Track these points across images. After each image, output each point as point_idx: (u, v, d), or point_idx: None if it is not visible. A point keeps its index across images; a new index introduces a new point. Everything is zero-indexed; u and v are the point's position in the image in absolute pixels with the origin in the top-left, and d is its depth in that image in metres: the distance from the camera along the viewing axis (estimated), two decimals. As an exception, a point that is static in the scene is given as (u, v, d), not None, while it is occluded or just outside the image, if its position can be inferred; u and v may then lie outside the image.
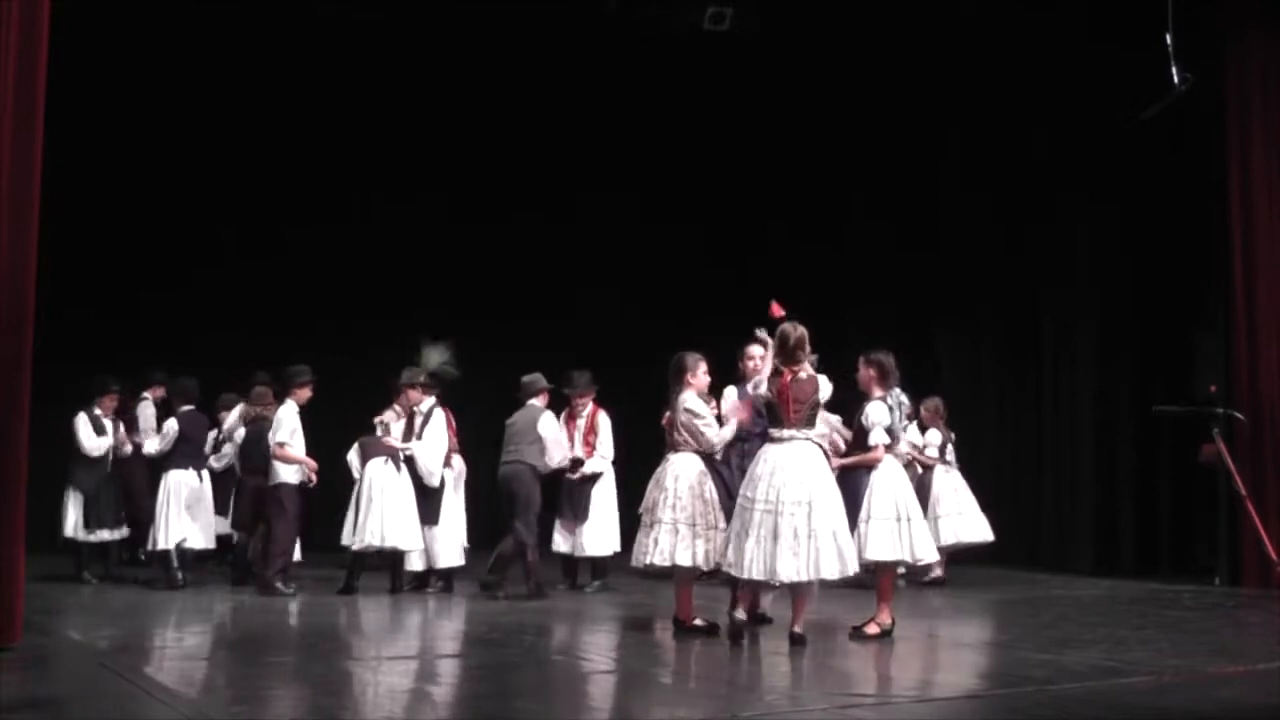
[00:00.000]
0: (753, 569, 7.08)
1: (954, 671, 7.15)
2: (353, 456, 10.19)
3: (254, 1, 11.98)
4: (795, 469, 7.11)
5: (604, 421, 10.24)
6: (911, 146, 13.47)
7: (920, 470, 10.65)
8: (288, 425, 9.84)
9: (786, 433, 7.23)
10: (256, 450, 10.37)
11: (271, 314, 12.79)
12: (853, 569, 7.21)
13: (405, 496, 9.92)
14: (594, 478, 10.20)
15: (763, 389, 7.36)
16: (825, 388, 7.34)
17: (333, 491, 10.48)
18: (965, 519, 10.81)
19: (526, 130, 13.63)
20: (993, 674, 6.99)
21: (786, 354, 7.33)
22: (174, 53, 12.34)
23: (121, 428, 10.94)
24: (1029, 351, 12.62)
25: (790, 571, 6.99)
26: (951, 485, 10.87)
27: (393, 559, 10.12)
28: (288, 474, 9.86)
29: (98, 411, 10.66)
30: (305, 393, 9.96)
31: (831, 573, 7.05)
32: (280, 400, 10.06)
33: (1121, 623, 8.52)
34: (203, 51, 12.43)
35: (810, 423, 7.29)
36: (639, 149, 13.92)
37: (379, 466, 9.95)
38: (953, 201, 13.38)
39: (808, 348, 7.38)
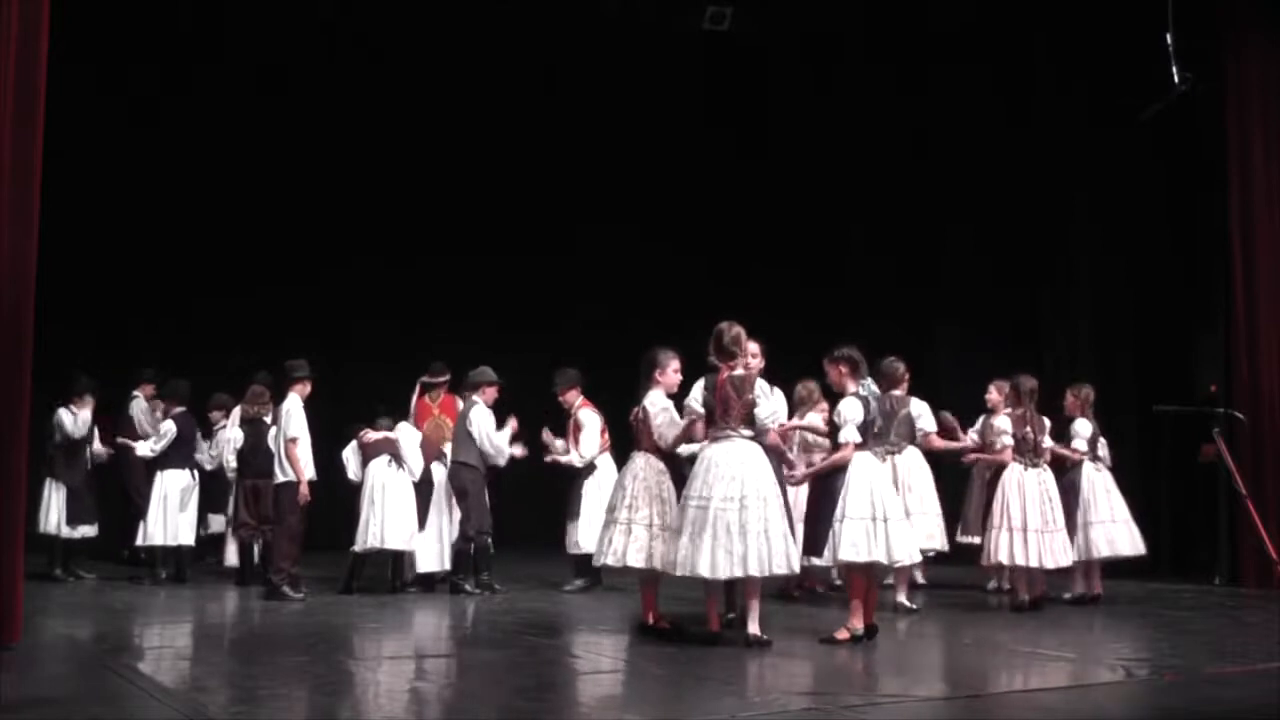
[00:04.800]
0: (685, 566, 7.06)
1: (953, 672, 7.15)
2: (349, 454, 10.17)
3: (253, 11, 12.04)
4: (728, 466, 7.09)
5: (587, 419, 10.13)
6: (910, 147, 13.46)
7: (1063, 465, 9.40)
8: (297, 419, 9.55)
9: (724, 430, 7.21)
10: (255, 451, 10.36)
11: (266, 319, 12.78)
12: (787, 567, 7.16)
13: (405, 497, 9.92)
14: (580, 475, 10.14)
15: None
16: (762, 388, 7.30)
17: (333, 491, 10.47)
18: (1118, 527, 9.54)
19: (525, 132, 13.62)
20: (992, 674, 6.98)
21: (722, 351, 7.30)
22: (187, 63, 12.44)
23: (97, 432, 10.93)
24: (1029, 352, 12.61)
25: (719, 567, 6.95)
26: (1102, 487, 9.63)
27: (393, 558, 10.14)
28: (293, 473, 9.60)
29: (73, 408, 10.69)
30: (307, 387, 9.73)
31: (760, 570, 7.01)
32: (281, 397, 9.88)
33: (1122, 623, 8.52)
34: (214, 67, 12.55)
35: (749, 421, 7.24)
36: (639, 149, 13.93)
37: (381, 466, 9.95)
38: (953, 203, 13.37)
39: (744, 345, 7.34)
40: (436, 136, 13.62)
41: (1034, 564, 8.82)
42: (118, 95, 12.55)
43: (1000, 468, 9.09)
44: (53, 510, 10.62)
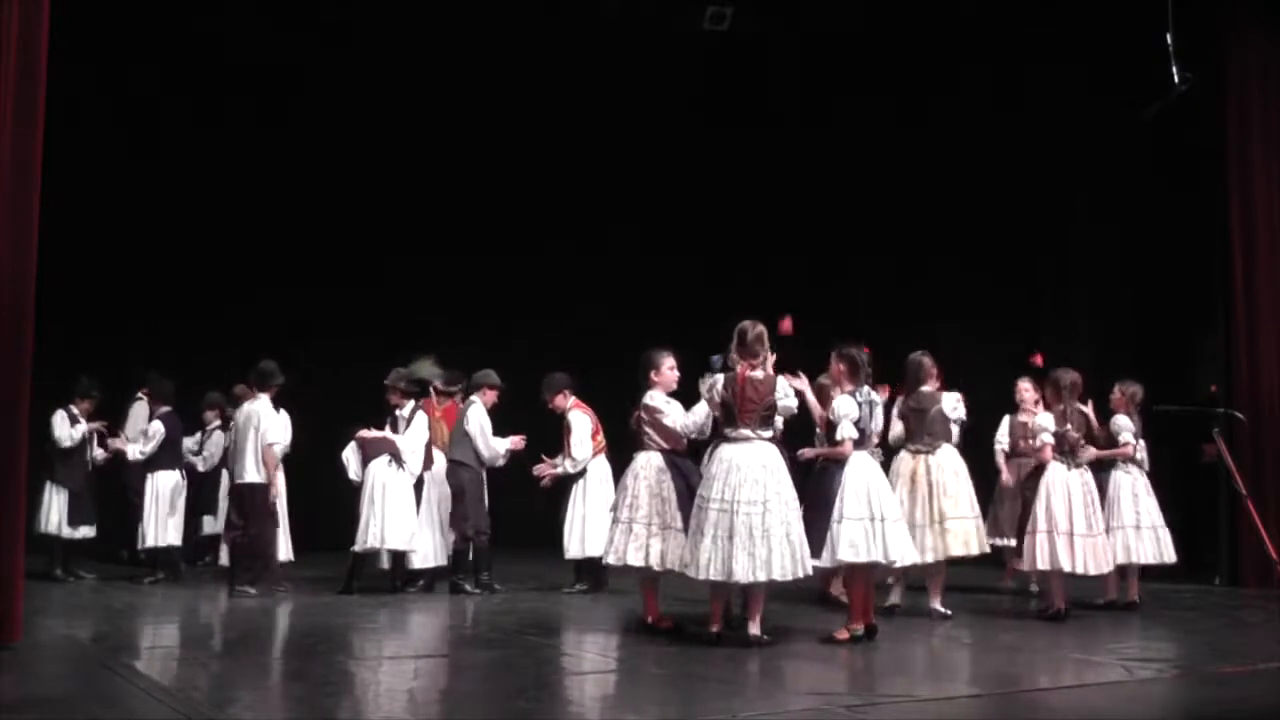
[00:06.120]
0: (709, 569, 7.05)
1: (953, 672, 7.15)
2: (349, 454, 10.16)
3: (263, 20, 12.06)
4: (751, 468, 7.09)
5: (576, 422, 10.02)
6: (910, 145, 13.45)
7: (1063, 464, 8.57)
8: (277, 424, 9.78)
9: (742, 431, 7.20)
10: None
11: (267, 321, 12.73)
12: (805, 571, 7.16)
13: (405, 496, 9.93)
14: (571, 479, 10.08)
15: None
16: (783, 388, 7.29)
17: (333, 491, 10.47)
18: (1143, 533, 9.17)
19: (524, 132, 13.61)
20: (992, 675, 6.98)
21: (744, 349, 7.29)
22: (187, 63, 12.44)
23: (96, 435, 10.94)
24: (1029, 351, 12.60)
25: (745, 571, 6.96)
26: (1129, 490, 9.23)
27: (393, 558, 10.14)
28: (267, 475, 9.79)
29: (74, 410, 10.71)
30: (276, 391, 9.96)
31: (784, 574, 7.02)
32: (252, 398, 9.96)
33: (1122, 622, 8.51)
34: (215, 67, 12.55)
35: (765, 423, 7.23)
36: (638, 149, 13.93)
37: (381, 466, 9.95)
38: (953, 202, 13.36)
39: (766, 344, 7.33)
40: (434, 136, 13.61)
41: (1080, 570, 8.31)
42: (118, 95, 12.54)
43: (1039, 467, 8.57)
44: (53, 511, 10.65)
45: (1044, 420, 8.63)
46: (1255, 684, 6.39)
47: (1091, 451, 8.66)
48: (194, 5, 11.89)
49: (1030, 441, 8.93)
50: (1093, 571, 8.42)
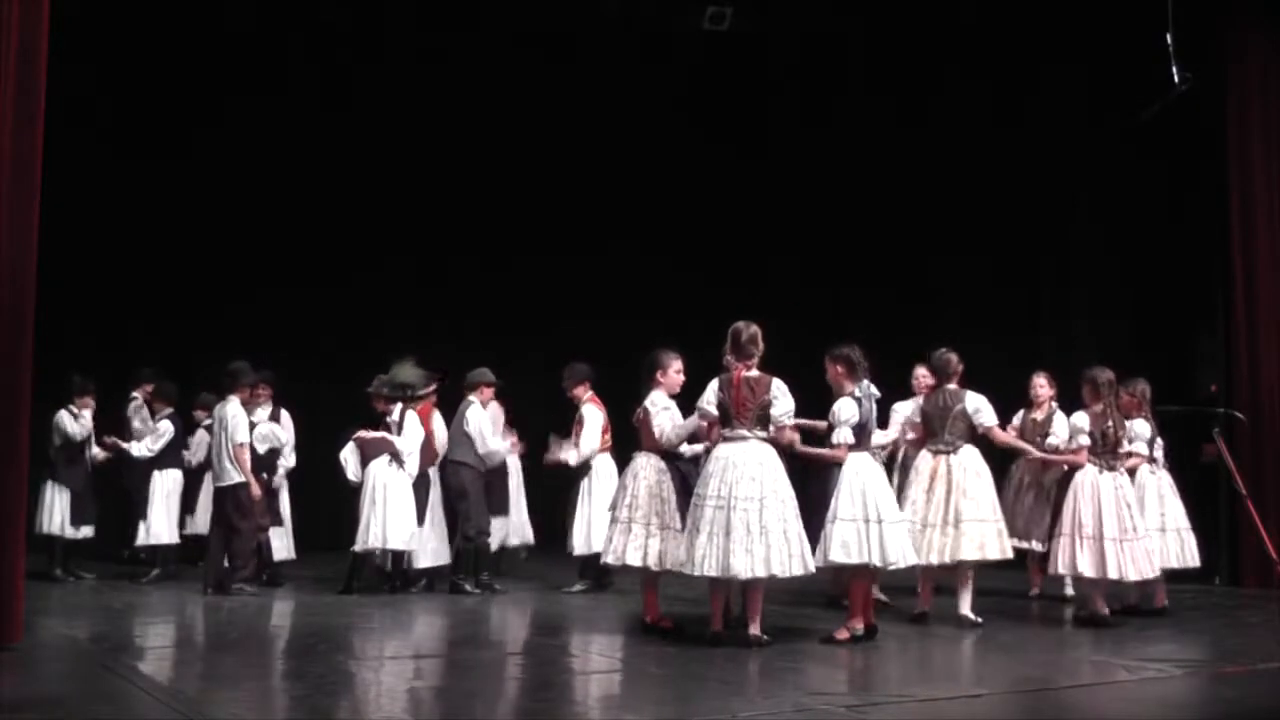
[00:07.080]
0: (705, 566, 7.08)
1: (954, 672, 7.15)
2: (347, 454, 10.15)
3: (264, 21, 12.06)
4: (747, 466, 7.12)
5: (590, 416, 9.94)
6: (910, 146, 13.45)
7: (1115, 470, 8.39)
8: (245, 424, 9.87)
9: (738, 431, 7.23)
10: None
11: (267, 322, 12.72)
12: (804, 568, 7.16)
13: (405, 496, 9.93)
14: (577, 475, 10.02)
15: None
16: (778, 389, 7.30)
17: (333, 491, 10.46)
18: (1169, 536, 9.06)
19: (523, 133, 13.60)
20: (993, 675, 6.99)
21: (739, 350, 7.33)
22: (187, 63, 12.43)
23: (93, 436, 10.96)
24: (1028, 351, 12.61)
25: (744, 568, 6.98)
26: (1155, 492, 9.12)
27: (394, 558, 10.14)
28: (242, 475, 9.82)
29: (73, 409, 10.73)
30: (247, 392, 10.04)
31: (783, 570, 7.04)
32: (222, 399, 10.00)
33: (1122, 623, 8.51)
34: (215, 68, 12.54)
35: (761, 423, 7.26)
36: (638, 149, 13.92)
37: (381, 466, 9.94)
38: (953, 203, 13.36)
39: (760, 344, 7.35)
40: (435, 138, 13.57)
41: (1114, 575, 8.10)
42: (118, 95, 12.53)
43: (1073, 469, 8.36)
44: (55, 511, 10.65)
45: (1080, 420, 8.40)
46: (1255, 684, 6.41)
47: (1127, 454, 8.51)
48: (194, 5, 11.88)
49: (1071, 440, 8.58)
50: (1132, 576, 8.18)
